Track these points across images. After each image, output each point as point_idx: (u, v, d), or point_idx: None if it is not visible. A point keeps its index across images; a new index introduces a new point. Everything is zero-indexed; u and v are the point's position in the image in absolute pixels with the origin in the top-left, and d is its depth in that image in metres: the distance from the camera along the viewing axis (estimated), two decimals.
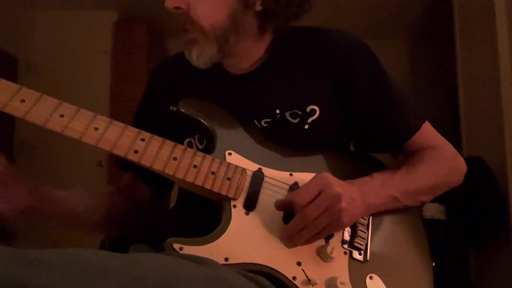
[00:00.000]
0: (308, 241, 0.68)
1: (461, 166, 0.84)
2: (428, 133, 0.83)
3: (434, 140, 0.84)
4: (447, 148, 0.85)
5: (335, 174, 0.76)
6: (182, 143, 0.82)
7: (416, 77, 3.77)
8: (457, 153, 0.85)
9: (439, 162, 0.81)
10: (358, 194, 0.70)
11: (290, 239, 0.68)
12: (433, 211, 2.10)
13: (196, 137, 0.84)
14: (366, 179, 0.75)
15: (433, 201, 2.11)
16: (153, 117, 0.91)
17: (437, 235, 1.98)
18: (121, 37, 3.52)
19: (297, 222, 0.66)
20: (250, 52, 0.84)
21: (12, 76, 3.30)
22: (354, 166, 0.82)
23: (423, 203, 0.82)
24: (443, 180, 0.82)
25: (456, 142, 2.54)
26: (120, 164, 0.93)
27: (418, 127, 0.81)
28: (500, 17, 2.05)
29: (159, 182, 0.88)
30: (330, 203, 0.65)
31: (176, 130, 0.83)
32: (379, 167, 0.83)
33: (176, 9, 0.76)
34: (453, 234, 2.07)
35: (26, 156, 3.35)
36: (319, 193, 0.66)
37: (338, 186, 0.66)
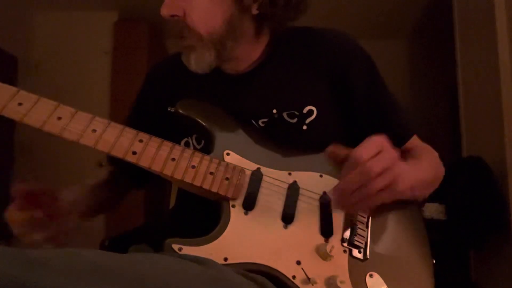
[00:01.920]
0: (357, 207, 0.64)
1: (442, 170, 0.85)
2: (417, 140, 0.86)
3: (422, 144, 0.86)
4: (434, 152, 0.86)
5: (334, 172, 0.76)
6: (179, 143, 0.82)
7: (416, 77, 3.77)
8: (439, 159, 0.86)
9: (434, 159, 0.83)
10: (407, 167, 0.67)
11: (341, 199, 0.63)
12: (433, 211, 2.10)
13: (193, 137, 0.85)
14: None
15: (433, 201, 2.12)
16: (149, 117, 0.92)
17: (437, 235, 1.97)
18: (121, 37, 3.52)
19: (357, 176, 0.60)
20: (247, 55, 0.85)
21: (12, 76, 3.30)
22: None
23: (416, 200, 0.82)
24: (436, 176, 0.83)
25: (456, 142, 2.55)
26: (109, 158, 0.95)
27: (413, 130, 0.83)
28: (500, 17, 2.05)
29: (135, 174, 0.90)
30: (389, 165, 0.61)
31: (173, 130, 0.83)
32: None
33: (172, 17, 0.77)
34: (453, 234, 2.07)
35: (26, 156, 3.35)
36: (379, 153, 0.61)
37: (395, 151, 0.63)
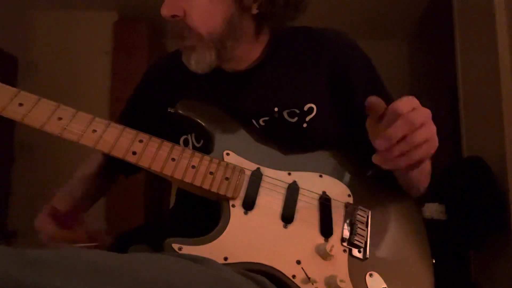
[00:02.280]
0: (400, 161, 0.62)
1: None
2: None
3: None
4: None
5: (334, 172, 0.76)
6: (178, 141, 0.82)
7: (416, 77, 3.77)
8: None
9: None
10: None
11: (386, 149, 0.61)
12: (433, 211, 2.10)
13: (193, 135, 0.85)
14: None
15: (433, 201, 2.12)
16: (146, 114, 0.92)
17: (437, 235, 1.97)
18: (121, 37, 3.52)
19: (401, 125, 0.59)
20: (247, 54, 0.85)
21: (12, 76, 3.30)
22: (353, 165, 0.82)
23: (414, 192, 0.82)
24: (430, 172, 0.82)
25: (456, 142, 2.54)
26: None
27: None
28: (500, 17, 2.05)
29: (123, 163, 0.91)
30: (426, 120, 0.61)
31: (173, 128, 0.83)
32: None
33: (173, 17, 0.77)
34: (453, 234, 2.07)
35: (26, 156, 3.35)
36: (414, 109, 0.61)
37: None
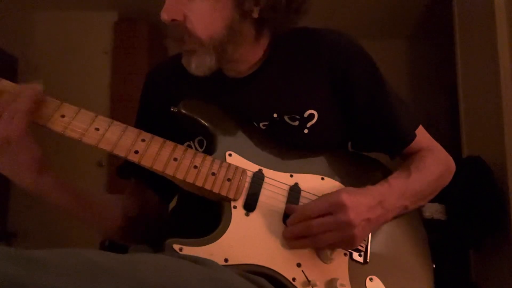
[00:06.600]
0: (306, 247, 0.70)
1: (452, 167, 0.87)
2: (422, 135, 0.85)
3: (427, 142, 0.86)
4: (440, 150, 0.87)
5: (336, 175, 0.76)
6: None
7: (416, 77, 3.77)
8: (448, 154, 0.87)
9: (438, 167, 0.83)
10: (379, 211, 0.71)
11: (289, 241, 0.68)
12: (433, 211, 2.10)
13: (196, 140, 0.84)
14: (385, 189, 0.74)
15: (433, 201, 2.11)
16: (152, 121, 0.91)
17: (437, 235, 1.98)
18: (121, 37, 3.51)
19: (299, 229, 0.67)
20: (247, 57, 0.84)
21: (12, 76, 3.29)
22: (354, 167, 0.82)
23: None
24: (441, 184, 0.84)
25: (456, 142, 2.54)
26: (121, 173, 0.91)
27: (415, 130, 0.83)
28: (500, 17, 2.05)
29: (164, 186, 0.88)
30: (340, 228, 0.66)
31: (175, 133, 0.83)
32: (379, 167, 0.83)
33: (173, 21, 0.76)
34: (453, 234, 2.07)
35: None
36: (329, 213, 0.67)
37: (352, 211, 0.66)
